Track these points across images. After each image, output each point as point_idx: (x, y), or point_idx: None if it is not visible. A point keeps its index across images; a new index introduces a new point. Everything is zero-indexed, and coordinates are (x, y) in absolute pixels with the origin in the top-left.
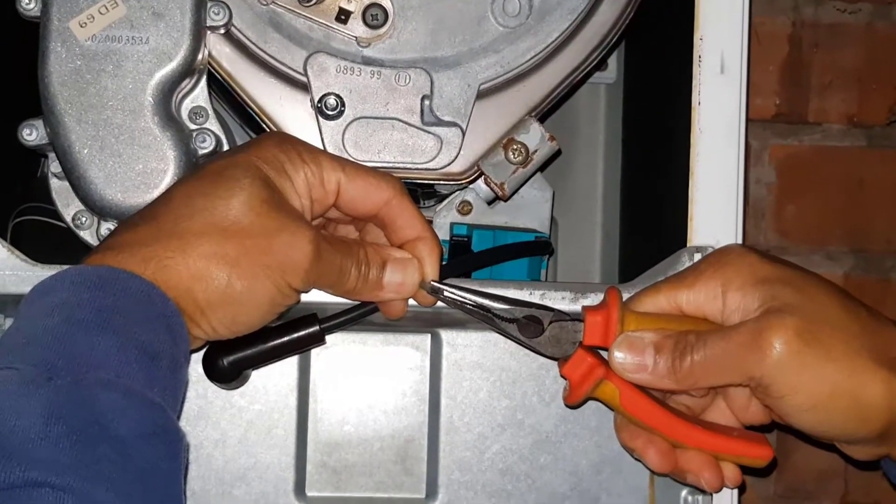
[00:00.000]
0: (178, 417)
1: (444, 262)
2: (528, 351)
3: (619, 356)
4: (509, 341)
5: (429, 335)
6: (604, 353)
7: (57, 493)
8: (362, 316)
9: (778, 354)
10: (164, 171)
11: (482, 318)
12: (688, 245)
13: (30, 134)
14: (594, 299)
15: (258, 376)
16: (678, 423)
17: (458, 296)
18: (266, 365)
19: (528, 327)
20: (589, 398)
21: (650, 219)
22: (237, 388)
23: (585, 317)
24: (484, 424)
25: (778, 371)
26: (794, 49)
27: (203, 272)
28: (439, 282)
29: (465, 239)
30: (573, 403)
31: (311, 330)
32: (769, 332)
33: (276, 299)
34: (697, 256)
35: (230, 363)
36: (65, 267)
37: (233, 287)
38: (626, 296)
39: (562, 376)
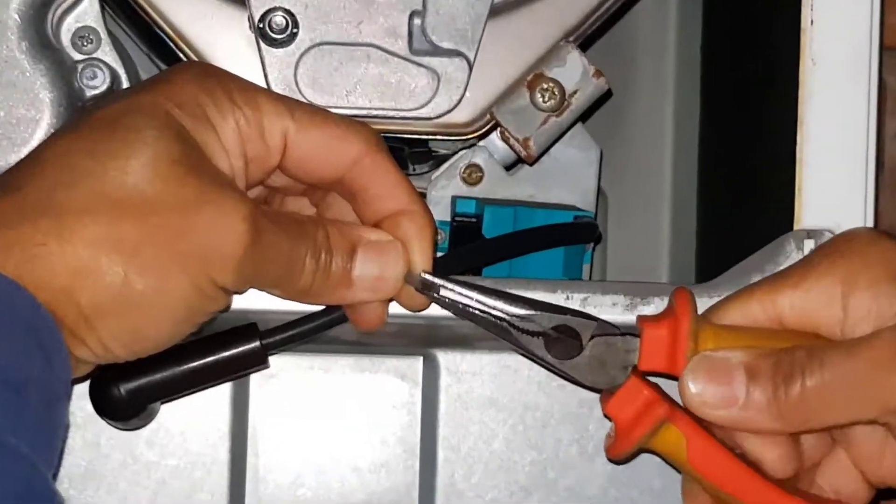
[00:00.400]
0: (56, 475)
1: (441, 252)
2: (562, 384)
3: (694, 386)
4: (536, 368)
5: (420, 358)
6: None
7: None
8: (323, 328)
9: None
10: (36, 121)
11: (494, 329)
12: (795, 228)
13: None
14: (658, 306)
15: (172, 416)
16: (772, 492)
17: (461, 296)
18: (182, 396)
19: (559, 344)
20: (642, 450)
21: (742, 192)
22: (139, 427)
23: (643, 331)
24: (500, 487)
25: None
26: None
27: (89, 265)
28: (434, 275)
29: (474, 220)
30: (619, 456)
31: (247, 347)
32: None
33: (194, 303)
34: (809, 245)
35: (129, 392)
36: None
37: (131, 286)
38: (704, 303)
39: (605, 416)
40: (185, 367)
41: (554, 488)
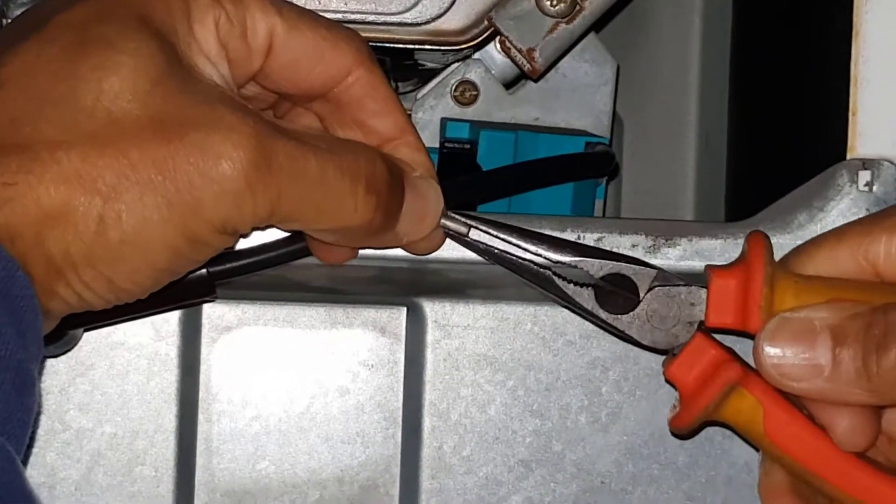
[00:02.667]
0: (26, 465)
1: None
2: (571, 340)
3: (771, 351)
4: (539, 320)
5: (403, 309)
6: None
7: None
8: (281, 260)
9: None
10: None
11: (534, 278)
12: (847, 157)
13: None
14: (686, 248)
15: (108, 373)
16: (867, 473)
17: (495, 238)
18: (112, 324)
19: (612, 296)
20: (709, 421)
21: (783, 116)
22: (56, 355)
23: (711, 281)
24: (497, 461)
25: None
26: None
27: (61, 210)
28: (462, 214)
29: (468, 146)
30: (684, 427)
31: (192, 273)
32: None
33: (183, 251)
34: (865, 177)
35: None
36: None
37: (108, 234)
38: (740, 245)
39: (667, 381)
40: None
41: (560, 463)
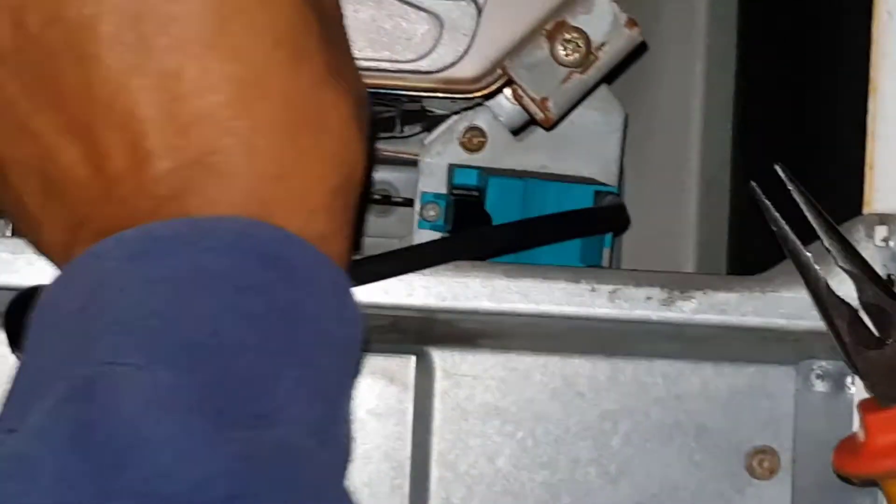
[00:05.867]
0: None
1: (438, 231)
2: (581, 392)
3: None
4: (549, 371)
5: (412, 357)
6: None
7: None
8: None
9: None
10: None
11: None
12: (864, 212)
13: None
14: (701, 301)
15: None
16: None
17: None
18: None
19: (863, 326)
20: (873, 482)
21: (793, 168)
22: None
23: None
24: None
25: None
26: None
27: None
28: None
29: (476, 193)
30: (852, 473)
31: None
32: None
33: None
34: (882, 232)
35: None
36: None
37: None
38: (756, 298)
39: (861, 425)
40: None
41: None
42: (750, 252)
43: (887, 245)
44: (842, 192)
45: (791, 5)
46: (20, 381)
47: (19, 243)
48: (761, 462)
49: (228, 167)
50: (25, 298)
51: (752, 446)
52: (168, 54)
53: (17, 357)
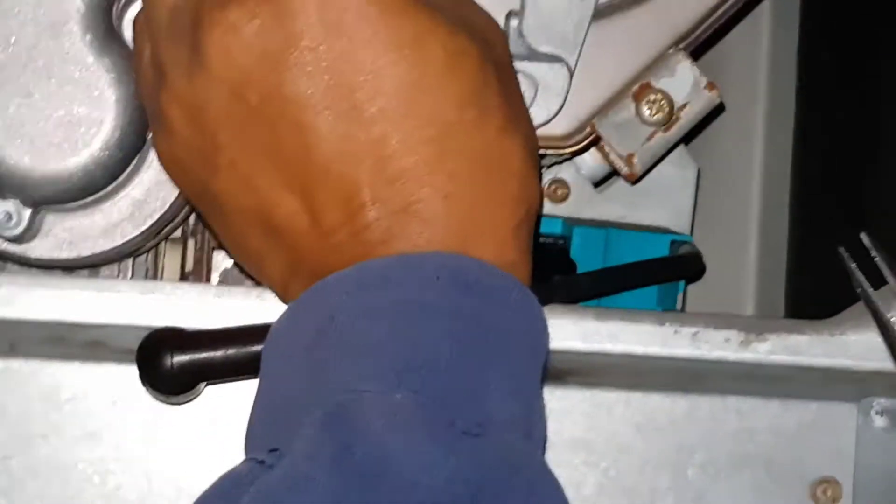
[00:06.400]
0: None
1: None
2: (661, 423)
3: None
4: (631, 406)
5: None
6: None
7: None
8: None
9: None
10: (99, 122)
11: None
12: None
13: None
14: (775, 343)
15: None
16: None
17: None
18: (235, 380)
19: None
20: None
21: (849, 222)
22: (181, 403)
23: None
24: None
25: None
26: None
27: None
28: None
29: (561, 241)
30: None
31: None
32: None
33: None
34: None
35: (181, 366)
36: None
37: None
38: (824, 341)
39: None
40: (247, 350)
41: None
42: (808, 297)
43: None
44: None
45: (849, 71)
46: (265, 404)
47: (148, 285)
48: (825, 491)
49: (428, 213)
50: (158, 337)
51: (816, 477)
52: (374, 124)
53: (148, 391)
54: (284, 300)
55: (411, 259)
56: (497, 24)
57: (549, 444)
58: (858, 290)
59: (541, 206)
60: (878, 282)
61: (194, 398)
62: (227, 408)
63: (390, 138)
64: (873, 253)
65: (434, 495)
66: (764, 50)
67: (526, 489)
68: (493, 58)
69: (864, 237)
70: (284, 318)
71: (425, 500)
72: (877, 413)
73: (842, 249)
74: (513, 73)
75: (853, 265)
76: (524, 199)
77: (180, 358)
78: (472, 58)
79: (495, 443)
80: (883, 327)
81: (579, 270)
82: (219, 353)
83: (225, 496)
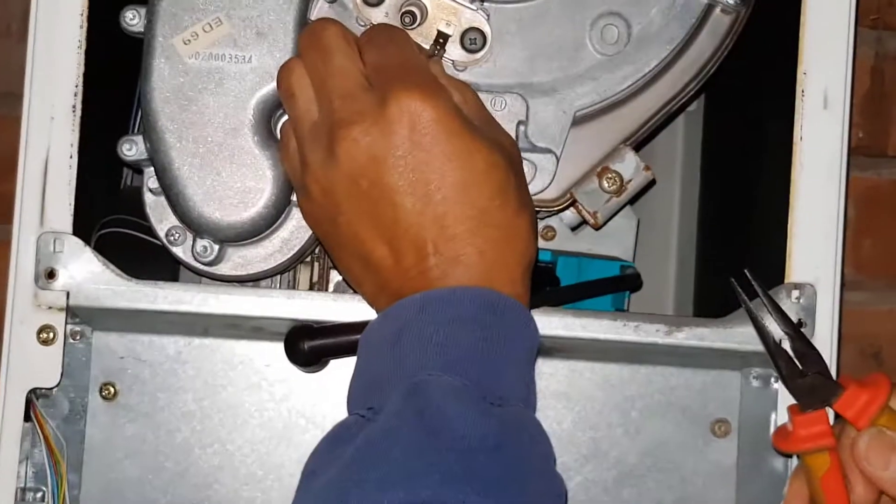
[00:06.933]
0: None
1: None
2: (614, 382)
3: (864, 446)
4: (595, 371)
5: None
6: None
7: None
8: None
9: None
10: (262, 191)
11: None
12: (785, 281)
13: (129, 149)
14: (687, 334)
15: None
16: None
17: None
18: (347, 356)
19: (792, 367)
20: (794, 455)
21: (735, 251)
22: (315, 371)
23: (848, 386)
24: (568, 455)
25: None
26: (875, 82)
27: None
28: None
29: (550, 265)
30: (782, 449)
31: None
32: None
33: None
34: (796, 294)
35: (311, 348)
36: (161, 283)
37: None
38: (718, 332)
39: (787, 423)
40: (352, 338)
41: (606, 458)
42: (707, 303)
43: (798, 301)
44: (768, 268)
45: (734, 161)
46: (362, 379)
47: (290, 292)
48: (720, 427)
49: (469, 262)
50: (301, 329)
51: (714, 418)
52: (439, 205)
53: (299, 368)
54: (374, 309)
55: (457, 291)
56: (514, 140)
57: (540, 397)
58: (742, 304)
59: (537, 254)
60: (753, 295)
61: (321, 369)
62: (337, 375)
63: (448, 215)
64: (751, 279)
65: (473, 443)
66: (679, 143)
67: (529, 440)
68: (513, 166)
69: (746, 272)
70: (376, 323)
71: (470, 446)
72: (753, 378)
73: (732, 280)
74: (521, 169)
75: (738, 288)
76: (528, 254)
77: (311, 343)
78: (500, 168)
79: (510, 411)
80: (756, 324)
81: (562, 284)
82: (334, 340)
83: (342, 437)
